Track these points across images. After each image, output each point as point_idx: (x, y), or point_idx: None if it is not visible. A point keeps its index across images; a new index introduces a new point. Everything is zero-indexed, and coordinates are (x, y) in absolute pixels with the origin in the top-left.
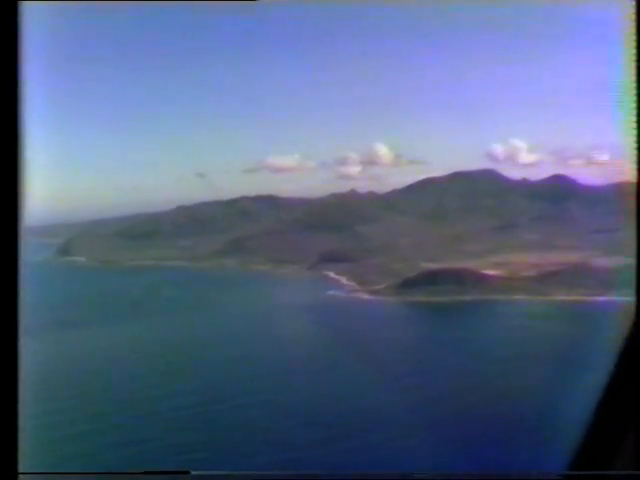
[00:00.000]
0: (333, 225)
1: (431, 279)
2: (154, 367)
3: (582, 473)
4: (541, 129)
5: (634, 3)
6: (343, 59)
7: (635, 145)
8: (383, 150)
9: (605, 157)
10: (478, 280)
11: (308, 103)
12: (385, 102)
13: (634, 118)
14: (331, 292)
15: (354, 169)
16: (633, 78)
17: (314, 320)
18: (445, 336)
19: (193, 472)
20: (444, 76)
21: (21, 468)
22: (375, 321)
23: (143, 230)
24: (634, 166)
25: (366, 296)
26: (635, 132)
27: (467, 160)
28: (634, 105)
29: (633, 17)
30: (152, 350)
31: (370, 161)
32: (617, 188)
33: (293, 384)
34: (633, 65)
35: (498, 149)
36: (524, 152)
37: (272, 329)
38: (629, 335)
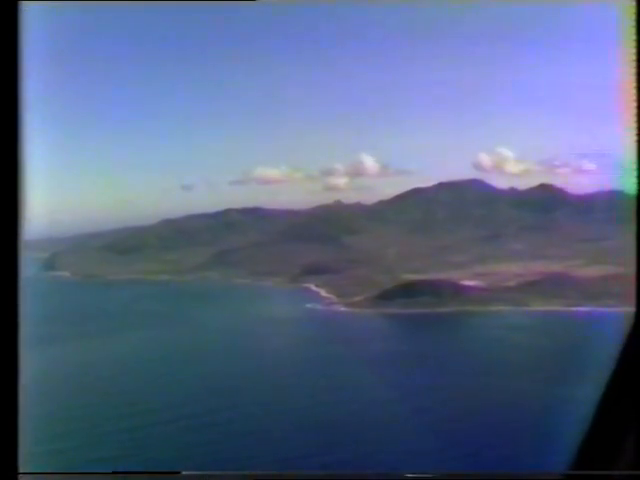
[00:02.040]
0: (318, 236)
1: (409, 291)
2: (131, 383)
3: (582, 473)
4: (529, 138)
5: (634, 3)
6: (329, 70)
7: (635, 146)
8: (370, 161)
9: (593, 165)
10: (456, 291)
11: (295, 114)
12: (373, 112)
13: (634, 118)
14: (309, 305)
15: (341, 180)
16: (633, 78)
17: (288, 334)
18: (413, 350)
19: (184, 472)
20: (431, 85)
21: (21, 468)
22: (348, 334)
23: (128, 244)
24: (635, 169)
25: (343, 308)
26: (635, 133)
27: (455, 170)
28: (634, 105)
29: (633, 17)
30: (128, 366)
31: (357, 172)
32: (605, 197)
33: (260, 398)
34: (633, 65)
35: (486, 159)
36: (512, 161)
37: (245, 343)
38: (628, 340)
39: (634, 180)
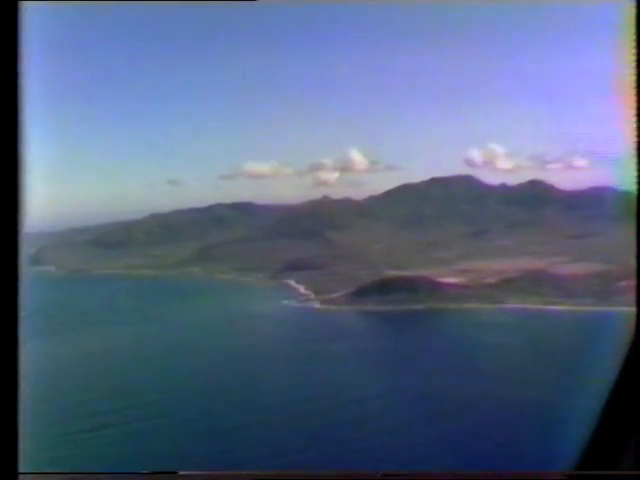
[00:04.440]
0: (304, 232)
1: (387, 287)
2: (106, 379)
3: (584, 473)
4: (521, 133)
5: (634, 3)
6: (318, 65)
7: (635, 146)
8: (359, 156)
9: (584, 162)
10: (433, 288)
11: (285, 109)
12: (362, 108)
13: (634, 118)
14: (285, 302)
15: (331, 175)
16: (633, 78)
17: (260, 330)
18: (380, 348)
19: (181, 472)
20: (421, 80)
21: (21, 468)
22: (319, 331)
23: (115, 239)
24: (635, 168)
25: (319, 305)
26: (635, 133)
27: (445, 166)
28: (634, 105)
29: (633, 17)
30: (98, 363)
31: (347, 167)
32: (595, 193)
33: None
34: (633, 65)
35: (476, 154)
36: (502, 157)
37: (215, 340)
38: (631, 342)
39: (634, 179)
